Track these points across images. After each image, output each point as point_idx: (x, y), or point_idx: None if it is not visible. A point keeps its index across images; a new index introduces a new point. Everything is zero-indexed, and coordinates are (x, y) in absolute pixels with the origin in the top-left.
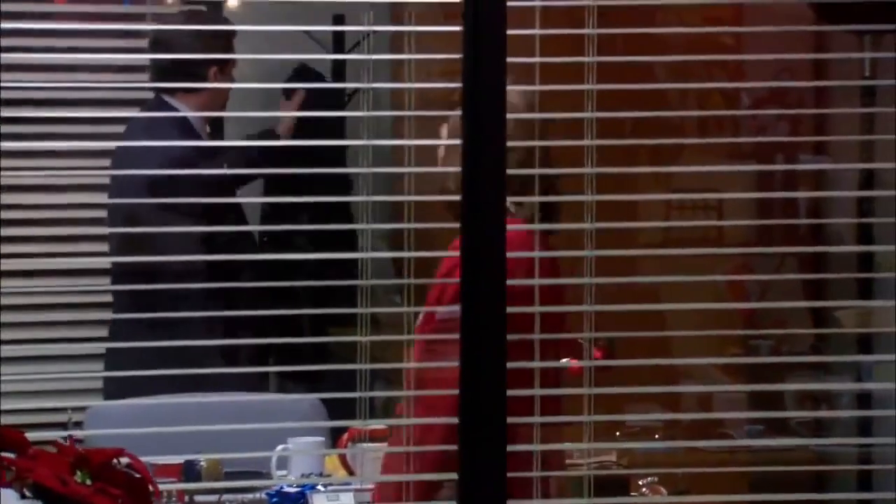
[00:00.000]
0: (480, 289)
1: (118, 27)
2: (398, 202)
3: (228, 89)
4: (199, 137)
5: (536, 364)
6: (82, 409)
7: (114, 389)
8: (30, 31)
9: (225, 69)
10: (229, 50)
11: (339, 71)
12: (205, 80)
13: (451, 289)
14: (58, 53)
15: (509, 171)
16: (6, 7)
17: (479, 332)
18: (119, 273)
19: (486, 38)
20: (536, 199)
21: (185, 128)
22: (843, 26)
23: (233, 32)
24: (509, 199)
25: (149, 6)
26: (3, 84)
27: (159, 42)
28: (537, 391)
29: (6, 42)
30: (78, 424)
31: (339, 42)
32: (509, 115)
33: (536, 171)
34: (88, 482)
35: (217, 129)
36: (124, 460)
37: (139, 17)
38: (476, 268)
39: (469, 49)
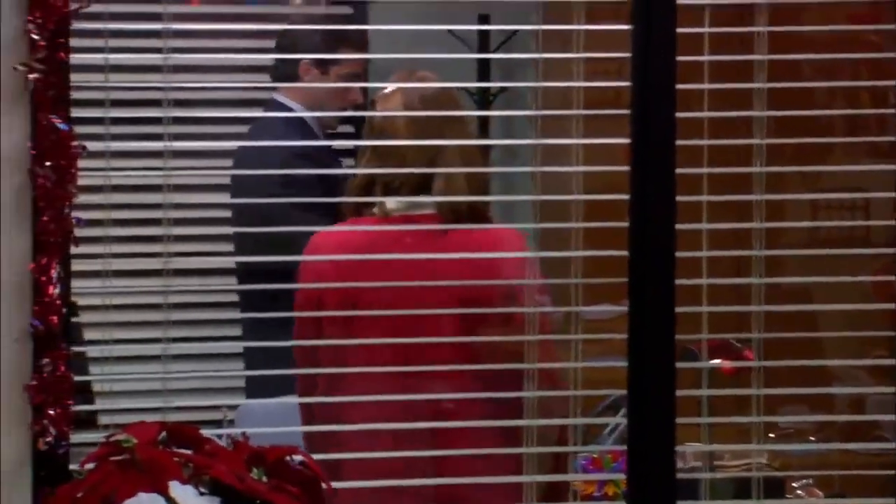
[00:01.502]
0: (649, 289)
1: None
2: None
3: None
4: (314, 135)
5: (704, 364)
6: (232, 407)
7: (254, 388)
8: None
9: (334, 68)
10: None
11: (483, 70)
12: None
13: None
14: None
15: (682, 171)
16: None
17: (646, 333)
18: (247, 273)
19: (656, 36)
20: (704, 198)
21: (297, 125)
22: None
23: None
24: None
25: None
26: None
27: (280, 44)
28: (704, 391)
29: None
30: (231, 423)
31: (483, 41)
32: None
33: (705, 170)
34: (264, 479)
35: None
36: (297, 458)
37: (272, 18)
38: (644, 268)
39: (639, 47)
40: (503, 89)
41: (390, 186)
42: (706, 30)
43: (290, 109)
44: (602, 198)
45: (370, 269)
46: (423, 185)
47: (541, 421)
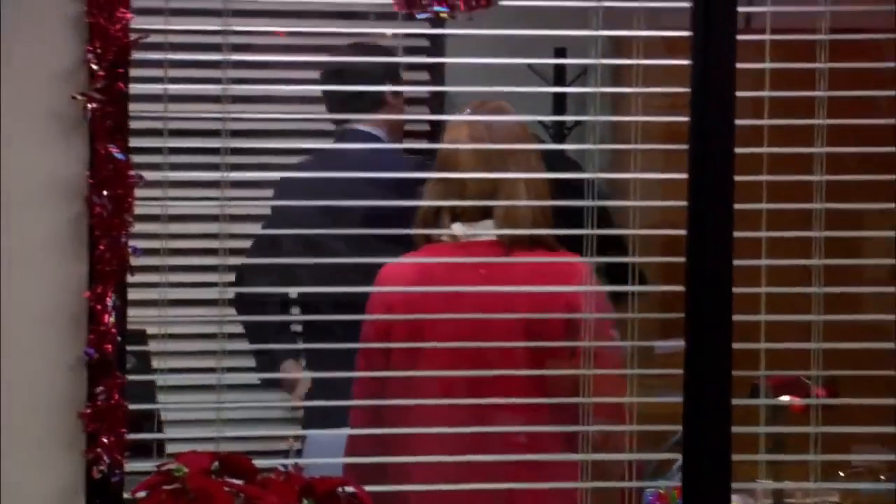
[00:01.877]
0: (707, 323)
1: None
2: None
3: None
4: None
5: (762, 401)
6: (301, 437)
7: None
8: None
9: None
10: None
11: (560, 103)
12: (383, 102)
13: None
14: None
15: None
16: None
17: (704, 368)
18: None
19: (714, 71)
20: (764, 234)
21: (389, 154)
22: None
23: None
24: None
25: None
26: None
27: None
28: (762, 429)
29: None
30: (298, 452)
31: (560, 75)
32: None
33: (764, 205)
34: None
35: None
36: (349, 489)
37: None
38: (702, 304)
39: (698, 82)
40: (577, 122)
41: (456, 213)
42: (767, 65)
43: (375, 138)
44: (659, 232)
45: (438, 297)
46: (487, 213)
47: (597, 455)
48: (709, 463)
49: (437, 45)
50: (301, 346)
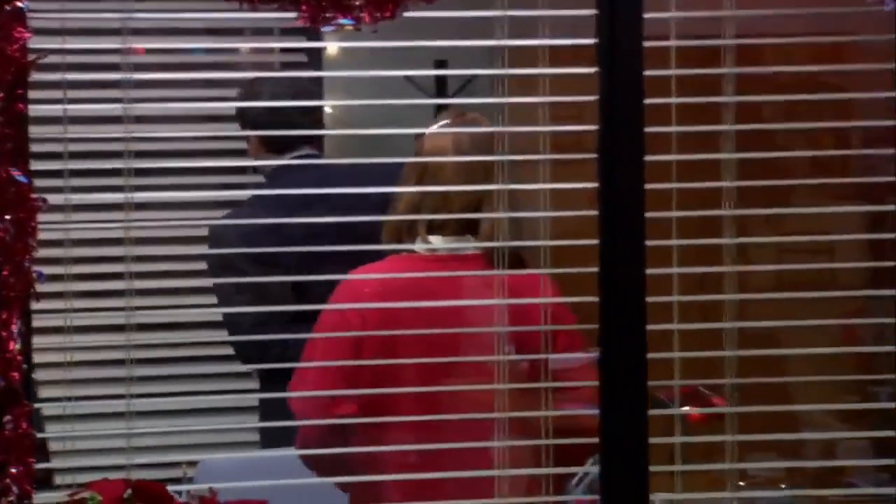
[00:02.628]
0: (620, 335)
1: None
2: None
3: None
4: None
5: (676, 410)
6: (193, 463)
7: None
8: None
9: None
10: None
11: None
12: None
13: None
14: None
15: (651, 214)
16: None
17: (618, 379)
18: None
19: (621, 78)
20: (674, 241)
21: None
22: None
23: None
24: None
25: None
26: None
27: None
28: (678, 438)
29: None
30: (189, 480)
31: (441, 87)
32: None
33: (674, 213)
34: None
35: None
36: None
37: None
38: (616, 313)
39: (605, 90)
40: None
41: (434, 225)
42: (673, 72)
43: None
44: (572, 243)
45: (417, 312)
46: (467, 226)
47: (512, 471)
48: (627, 476)
49: (314, 60)
50: (288, 364)
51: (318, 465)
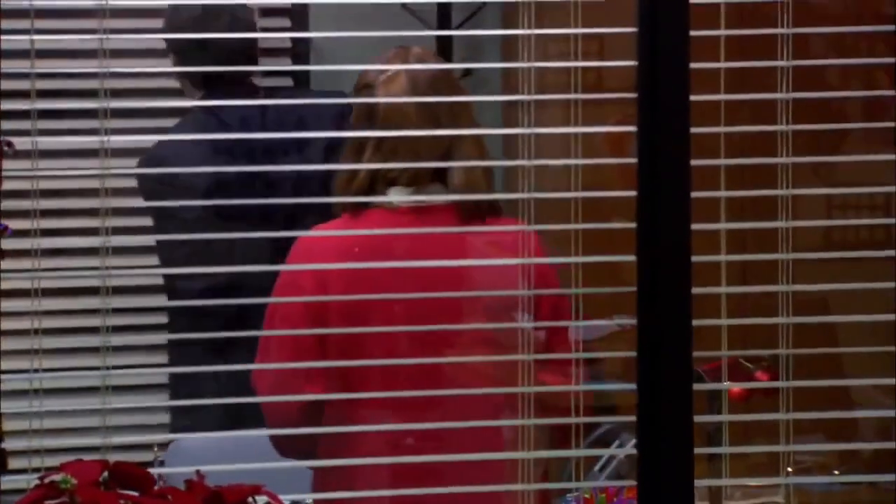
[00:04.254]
0: (663, 302)
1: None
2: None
3: None
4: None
5: (726, 385)
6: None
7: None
8: None
9: None
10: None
11: (445, 49)
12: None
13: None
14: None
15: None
16: None
17: (660, 350)
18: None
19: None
20: (723, 193)
21: None
22: None
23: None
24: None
25: None
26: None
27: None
28: (726, 417)
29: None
30: (161, 463)
31: (444, 17)
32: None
33: (722, 161)
34: None
35: None
36: (262, 499)
37: None
38: (657, 275)
39: (646, 23)
40: (468, 72)
41: (391, 178)
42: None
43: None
44: (608, 194)
45: (388, 273)
46: (434, 175)
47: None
48: (670, 460)
49: None
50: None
51: (291, 449)
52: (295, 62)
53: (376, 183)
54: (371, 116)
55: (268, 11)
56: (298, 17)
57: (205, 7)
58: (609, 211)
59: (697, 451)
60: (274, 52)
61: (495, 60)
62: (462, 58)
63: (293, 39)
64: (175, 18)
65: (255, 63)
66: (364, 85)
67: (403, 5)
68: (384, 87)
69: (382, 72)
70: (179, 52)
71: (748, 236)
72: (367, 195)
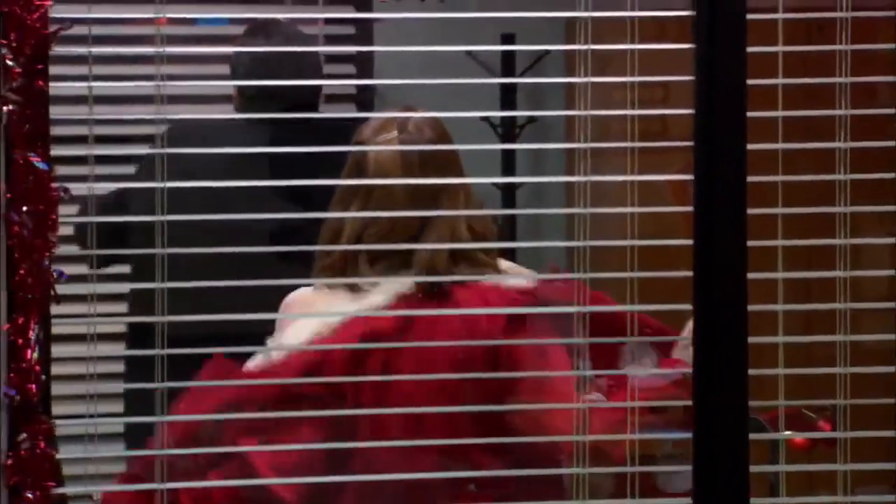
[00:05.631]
0: (719, 349)
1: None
2: None
3: None
4: None
5: (785, 435)
6: None
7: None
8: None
9: None
10: None
11: (509, 95)
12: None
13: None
14: None
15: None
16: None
17: (716, 399)
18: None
19: (723, 55)
20: (780, 242)
21: None
22: None
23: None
24: None
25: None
26: None
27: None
28: (783, 467)
29: None
30: None
31: (508, 65)
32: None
33: (780, 210)
34: None
35: None
36: None
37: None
38: (713, 324)
39: (703, 69)
40: (531, 119)
41: (374, 257)
42: (780, 48)
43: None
44: (662, 243)
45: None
46: (405, 258)
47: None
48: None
49: (364, 33)
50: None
51: None
52: (359, 110)
53: (359, 261)
54: (360, 173)
55: (333, 58)
56: (363, 64)
57: (270, 54)
58: (673, 259)
59: (754, 501)
60: (338, 98)
61: (558, 107)
62: (525, 106)
63: (358, 86)
64: (240, 63)
65: (318, 110)
66: (357, 142)
67: (468, 53)
68: (374, 159)
69: (377, 132)
70: (246, 97)
71: (813, 286)
72: (346, 263)
